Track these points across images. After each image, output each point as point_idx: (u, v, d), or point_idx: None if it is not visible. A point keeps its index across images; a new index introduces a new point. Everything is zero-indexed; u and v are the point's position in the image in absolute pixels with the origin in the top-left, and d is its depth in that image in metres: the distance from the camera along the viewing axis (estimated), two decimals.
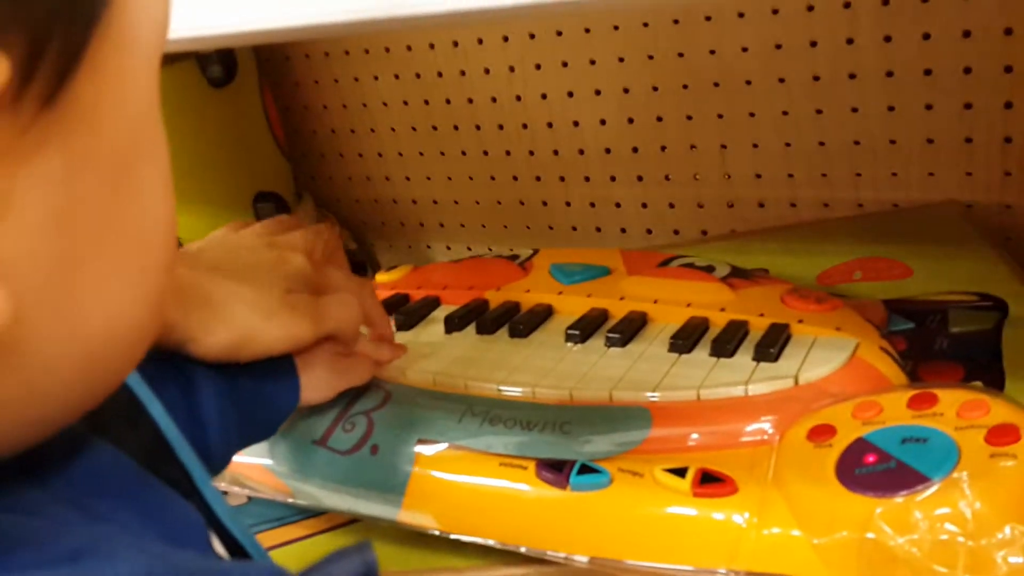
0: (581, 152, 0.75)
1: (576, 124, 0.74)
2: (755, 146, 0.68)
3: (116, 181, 0.19)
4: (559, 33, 0.71)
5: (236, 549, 0.25)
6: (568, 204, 0.78)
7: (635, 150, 0.72)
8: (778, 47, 0.63)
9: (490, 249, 0.84)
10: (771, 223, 0.69)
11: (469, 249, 0.85)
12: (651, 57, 0.68)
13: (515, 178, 0.79)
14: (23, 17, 0.15)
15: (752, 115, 0.67)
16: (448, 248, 0.86)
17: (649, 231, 0.75)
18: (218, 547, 0.23)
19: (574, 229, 0.79)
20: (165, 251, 0.20)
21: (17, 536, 0.17)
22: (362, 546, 0.21)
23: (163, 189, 0.20)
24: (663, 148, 0.71)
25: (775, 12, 0.62)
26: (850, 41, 0.61)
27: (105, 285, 0.19)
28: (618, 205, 0.75)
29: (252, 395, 0.38)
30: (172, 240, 0.21)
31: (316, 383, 0.41)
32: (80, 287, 0.18)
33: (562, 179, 0.77)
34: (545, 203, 0.79)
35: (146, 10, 0.19)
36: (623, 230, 0.76)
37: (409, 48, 0.77)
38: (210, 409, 0.36)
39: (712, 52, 0.66)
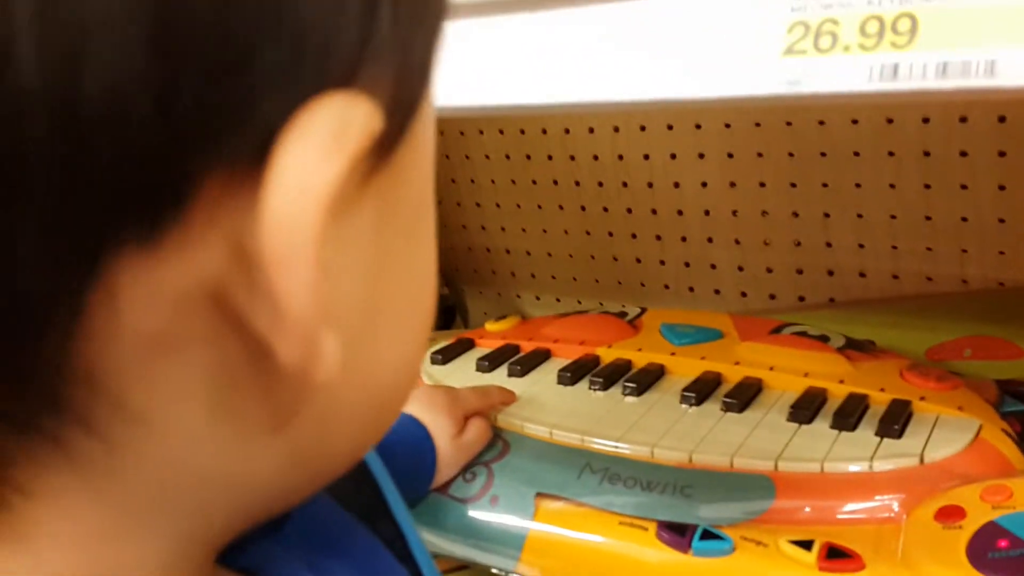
0: (680, 213, 0.75)
1: (677, 185, 0.74)
2: (859, 216, 0.68)
3: (411, 232, 0.19)
4: None
5: None
6: (662, 263, 0.78)
7: (735, 214, 0.73)
8: (889, 121, 0.64)
9: (579, 303, 0.85)
10: (871, 294, 0.69)
11: (558, 301, 0.86)
12: (758, 125, 0.69)
13: (610, 234, 0.80)
14: (395, 69, 0.15)
15: (858, 186, 0.67)
16: (537, 299, 0.87)
17: (744, 294, 0.75)
18: None
19: (667, 288, 0.79)
20: (432, 303, 0.20)
21: None
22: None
23: (433, 243, 0.20)
24: (764, 213, 0.71)
25: None
26: (963, 119, 0.62)
27: (394, 332, 0.19)
28: (713, 267, 0.76)
29: (403, 467, 0.40)
30: (436, 294, 0.21)
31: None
32: (375, 335, 0.18)
33: (658, 238, 0.77)
34: (639, 260, 0.79)
35: None
36: (717, 292, 0.77)
37: None
38: None
39: (821, 123, 0.66)
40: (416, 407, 0.45)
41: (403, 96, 0.16)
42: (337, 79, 0.14)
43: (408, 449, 0.44)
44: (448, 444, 0.45)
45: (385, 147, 0.16)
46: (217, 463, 0.16)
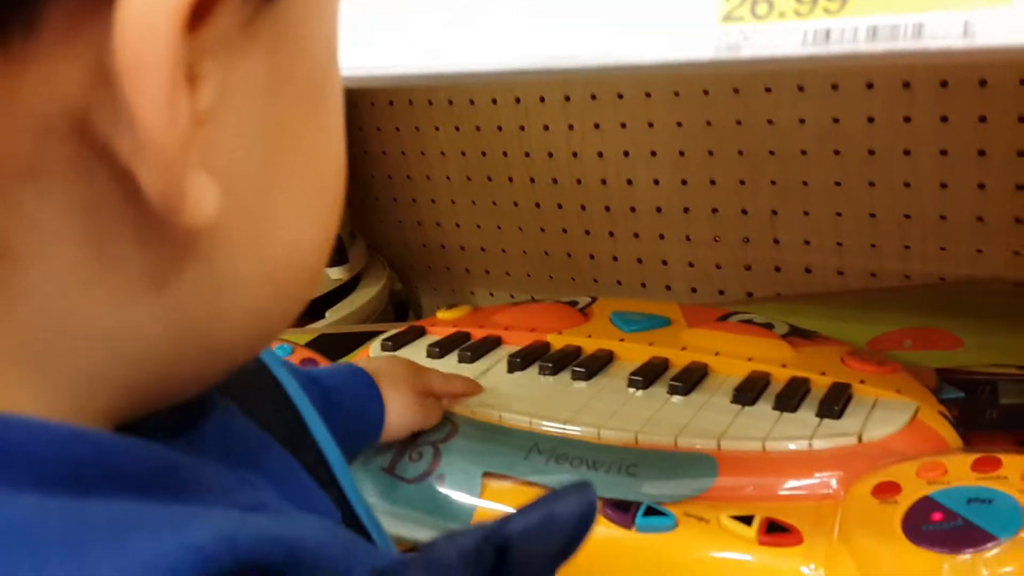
0: (632, 209, 0.77)
1: (630, 182, 0.76)
2: (806, 213, 0.69)
3: (309, 105, 0.18)
4: (620, 96, 0.73)
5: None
6: (615, 259, 0.79)
7: (686, 211, 0.74)
8: (835, 121, 0.66)
9: (533, 299, 0.85)
10: (817, 289, 0.70)
11: (512, 297, 0.87)
12: (709, 123, 0.70)
13: (564, 231, 0.81)
14: None
15: (805, 183, 0.68)
16: (491, 295, 0.88)
17: (694, 290, 0.77)
18: None
19: (619, 283, 0.80)
20: (339, 191, 0.20)
21: (202, 480, 0.17)
22: (583, 485, 0.20)
23: (340, 129, 0.20)
24: (714, 210, 0.73)
25: (834, 88, 0.65)
26: (907, 119, 0.63)
27: (292, 209, 0.18)
28: (665, 263, 0.77)
29: (347, 415, 0.39)
30: (343, 184, 0.20)
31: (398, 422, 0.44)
32: (271, 207, 0.18)
33: (611, 234, 0.78)
34: (592, 256, 0.80)
35: None
36: (668, 287, 0.78)
37: (472, 102, 0.79)
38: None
39: (770, 122, 0.68)
40: (374, 368, 0.45)
41: None
42: None
43: (353, 400, 0.43)
44: (396, 410, 0.44)
45: None
46: (99, 316, 0.16)
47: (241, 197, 0.17)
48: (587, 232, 0.79)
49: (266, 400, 0.26)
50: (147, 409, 0.18)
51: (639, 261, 0.78)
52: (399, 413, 0.44)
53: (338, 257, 0.78)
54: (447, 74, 0.26)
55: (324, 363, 0.55)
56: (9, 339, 0.16)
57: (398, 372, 0.45)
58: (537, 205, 0.81)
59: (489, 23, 0.25)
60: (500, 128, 0.79)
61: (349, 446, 0.41)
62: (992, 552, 0.35)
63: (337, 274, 0.78)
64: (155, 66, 0.14)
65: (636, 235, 0.77)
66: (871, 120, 0.64)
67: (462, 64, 0.26)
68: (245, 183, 0.17)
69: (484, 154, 0.81)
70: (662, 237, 0.76)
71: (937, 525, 0.37)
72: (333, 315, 0.76)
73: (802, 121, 0.67)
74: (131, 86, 0.14)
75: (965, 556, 0.35)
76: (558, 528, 0.19)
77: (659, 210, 0.75)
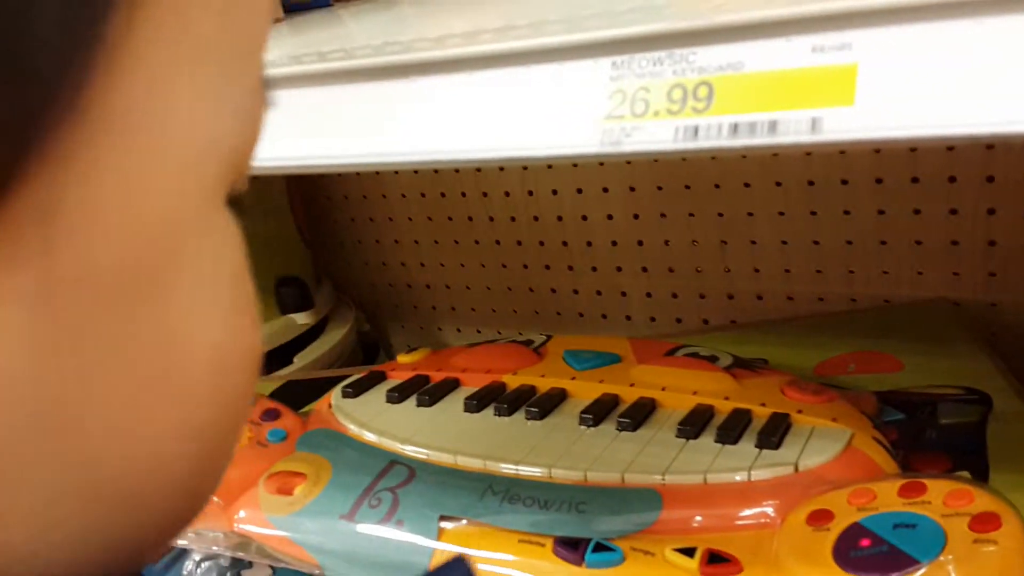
0: (589, 244, 0.79)
1: (584, 218, 0.78)
2: (753, 243, 0.72)
3: (126, 298, 0.15)
4: None
5: None
6: (576, 292, 0.82)
7: (640, 243, 0.77)
8: (775, 155, 0.68)
9: (499, 333, 0.87)
10: (769, 315, 0.73)
11: (479, 332, 0.89)
12: (656, 160, 0.73)
13: (525, 266, 0.83)
14: None
15: (750, 214, 0.71)
16: (459, 331, 0.90)
17: (653, 319, 0.79)
18: None
19: (581, 315, 0.82)
20: (215, 378, 0.17)
21: None
22: (457, 562, 0.19)
23: (213, 295, 0.17)
24: (666, 242, 0.75)
25: None
26: (843, 152, 0.66)
27: (113, 424, 0.15)
28: (623, 294, 0.80)
29: None
30: (230, 365, 0.17)
31: None
32: (73, 423, 0.15)
33: (570, 268, 0.81)
34: (554, 290, 0.83)
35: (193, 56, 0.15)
36: (628, 317, 0.80)
37: None
38: None
39: (713, 158, 0.71)
40: None
41: None
42: None
43: None
44: None
45: None
46: None
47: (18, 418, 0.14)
48: (547, 267, 0.82)
49: None
50: None
51: (599, 293, 0.81)
52: None
53: (304, 302, 0.80)
54: (366, 164, 0.28)
55: (286, 412, 0.57)
56: None
57: None
58: (497, 242, 0.83)
59: (391, 118, 0.27)
60: (457, 171, 0.81)
61: None
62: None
63: (304, 319, 0.80)
64: None
65: (594, 268, 0.80)
66: (809, 153, 0.67)
67: (376, 155, 0.28)
68: (23, 407, 0.14)
69: (443, 195, 0.83)
70: (619, 269, 0.79)
71: (865, 551, 0.39)
72: (302, 360, 0.78)
73: (744, 156, 0.69)
74: None
75: None
76: None
77: (614, 243, 0.78)
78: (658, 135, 0.23)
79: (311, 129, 0.33)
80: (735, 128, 0.22)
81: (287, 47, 0.41)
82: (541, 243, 0.81)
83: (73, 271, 0.14)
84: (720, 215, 0.72)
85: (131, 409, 0.15)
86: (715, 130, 0.22)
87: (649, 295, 0.78)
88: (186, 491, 0.17)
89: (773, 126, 0.22)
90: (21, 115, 0.13)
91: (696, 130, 0.22)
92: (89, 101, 0.14)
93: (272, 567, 0.51)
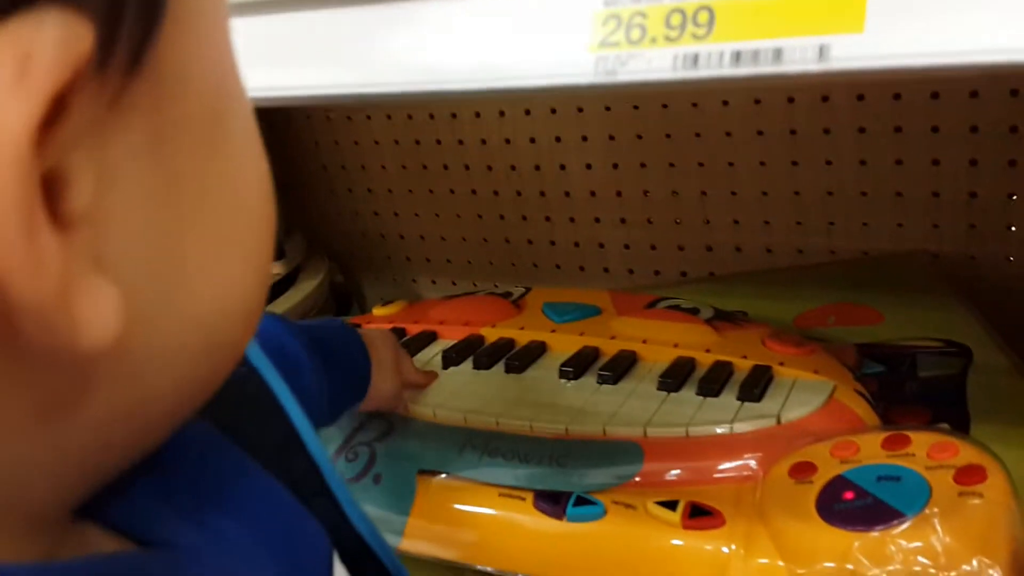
0: (567, 194, 0.77)
1: (563, 168, 0.76)
2: (733, 194, 0.71)
3: (207, 142, 0.17)
4: None
5: (362, 548, 0.24)
6: (553, 243, 0.80)
7: (619, 194, 0.75)
8: (757, 102, 0.67)
9: (475, 285, 0.86)
10: (748, 267, 0.72)
11: (454, 284, 0.87)
12: (636, 107, 0.71)
13: (502, 217, 0.81)
14: None
15: (731, 164, 0.70)
16: (433, 283, 0.88)
17: (631, 271, 0.78)
18: (339, 570, 0.22)
19: (558, 267, 0.81)
20: (263, 207, 0.19)
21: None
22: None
23: (251, 142, 0.18)
24: (646, 193, 0.74)
25: None
26: (825, 99, 0.65)
27: (210, 258, 0.17)
28: (601, 246, 0.78)
29: (342, 377, 0.42)
30: (269, 195, 0.19)
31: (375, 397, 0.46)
32: (185, 266, 0.16)
33: (548, 219, 0.79)
34: (530, 242, 0.81)
35: None
36: (606, 270, 0.79)
37: None
38: (311, 382, 0.39)
39: (694, 105, 0.69)
40: (370, 339, 0.46)
41: (131, 4, 0.14)
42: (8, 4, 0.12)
43: (348, 364, 0.44)
44: (375, 386, 0.45)
45: (126, 60, 0.14)
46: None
47: (148, 272, 0.16)
48: (524, 218, 0.80)
49: (252, 412, 0.25)
50: (95, 486, 0.18)
51: (576, 245, 0.79)
52: (377, 389, 0.45)
53: (276, 251, 0.78)
54: (343, 95, 0.27)
55: None
56: None
57: (386, 351, 0.46)
58: (473, 192, 0.81)
59: (382, 47, 0.25)
60: (432, 116, 0.79)
61: (335, 406, 0.43)
62: (900, 528, 0.37)
63: (275, 269, 0.78)
64: (9, 224, 0.12)
65: (572, 219, 0.78)
66: (791, 100, 0.66)
67: (356, 85, 0.26)
68: (149, 256, 0.16)
69: (418, 142, 0.81)
70: (597, 220, 0.77)
71: (849, 504, 0.39)
72: (273, 310, 0.76)
73: (725, 103, 0.68)
74: None
75: (875, 533, 0.37)
76: None
77: (593, 194, 0.76)
78: (655, 63, 0.21)
79: (287, 58, 0.31)
80: (738, 56, 0.20)
81: None
82: (518, 193, 0.79)
83: (172, 124, 0.16)
84: (700, 165, 0.71)
85: (220, 244, 0.17)
86: (716, 58, 0.20)
87: (627, 247, 0.77)
88: (246, 327, 0.19)
89: (778, 54, 0.20)
90: None
91: (696, 58, 0.21)
92: None
93: None
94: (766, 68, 0.20)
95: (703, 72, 0.21)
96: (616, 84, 0.22)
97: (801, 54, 0.20)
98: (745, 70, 0.20)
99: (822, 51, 0.20)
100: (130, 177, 0.15)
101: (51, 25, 0.13)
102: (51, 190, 0.13)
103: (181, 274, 0.16)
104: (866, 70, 0.19)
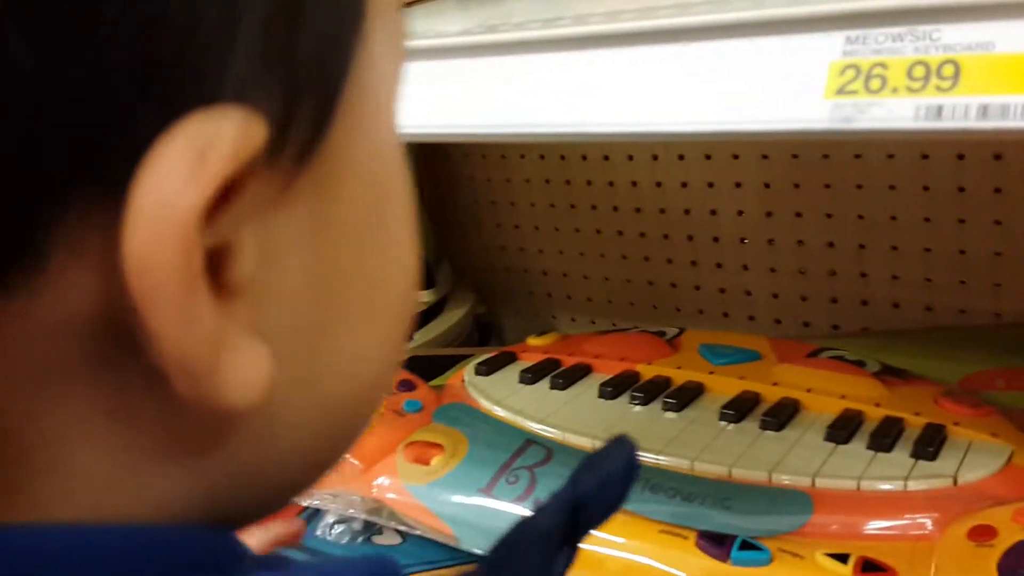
0: (716, 240, 0.77)
1: (713, 213, 0.77)
2: (894, 248, 0.69)
3: (365, 230, 0.18)
4: None
5: None
6: (697, 288, 0.80)
7: (771, 242, 0.75)
8: (924, 157, 0.66)
9: (614, 325, 0.87)
10: (906, 324, 0.70)
11: (593, 323, 0.88)
12: (795, 156, 0.71)
13: (647, 259, 0.82)
14: (278, 78, 0.15)
15: (893, 218, 0.69)
16: (573, 320, 0.89)
17: (778, 321, 0.77)
18: None
19: (701, 312, 0.81)
20: (407, 293, 0.19)
21: None
22: (622, 439, 0.21)
23: (406, 230, 0.19)
24: (800, 242, 0.73)
25: None
26: (998, 157, 0.63)
27: (352, 334, 0.18)
28: (748, 293, 0.78)
29: None
30: (414, 282, 0.20)
31: None
32: (329, 343, 0.17)
33: (694, 263, 0.79)
34: (674, 285, 0.81)
35: (387, 38, 0.18)
36: (751, 318, 0.78)
37: None
38: None
39: (857, 156, 0.68)
40: None
41: (301, 103, 0.15)
42: (198, 96, 0.14)
43: None
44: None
45: (296, 155, 0.15)
46: (131, 496, 0.16)
47: (295, 344, 0.16)
48: (669, 261, 0.81)
49: None
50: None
51: (722, 291, 0.79)
52: None
53: (426, 280, 0.80)
54: (569, 134, 0.28)
55: (420, 384, 0.58)
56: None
57: None
58: (620, 233, 0.82)
59: (616, 87, 0.27)
60: (584, 157, 0.81)
61: None
62: None
63: (425, 296, 0.80)
64: (168, 293, 0.14)
65: (719, 265, 0.78)
66: (961, 157, 0.64)
67: (577, 124, 0.28)
68: (299, 329, 0.17)
69: (568, 182, 0.83)
70: (746, 268, 0.77)
71: None
72: (421, 337, 0.78)
73: (891, 156, 0.67)
74: (145, 313, 0.14)
75: None
76: (613, 482, 0.21)
77: (743, 240, 0.76)
78: (896, 112, 0.22)
79: (486, 99, 0.33)
80: (984, 110, 0.21)
81: (459, 22, 0.42)
82: (665, 236, 0.80)
83: (335, 210, 0.17)
84: (860, 217, 0.70)
85: (363, 325, 0.18)
86: (962, 110, 0.21)
87: (776, 296, 0.76)
88: (372, 405, 0.20)
89: None
90: (331, 86, 0.16)
91: (940, 109, 0.21)
92: (356, 74, 0.17)
93: (401, 533, 0.52)
94: (1016, 123, 0.20)
95: (948, 124, 0.21)
96: (853, 131, 0.23)
97: None
98: (993, 124, 0.21)
99: None
100: (291, 257, 0.16)
101: (230, 121, 0.14)
102: (217, 259, 0.14)
103: (324, 349, 0.17)
104: None
